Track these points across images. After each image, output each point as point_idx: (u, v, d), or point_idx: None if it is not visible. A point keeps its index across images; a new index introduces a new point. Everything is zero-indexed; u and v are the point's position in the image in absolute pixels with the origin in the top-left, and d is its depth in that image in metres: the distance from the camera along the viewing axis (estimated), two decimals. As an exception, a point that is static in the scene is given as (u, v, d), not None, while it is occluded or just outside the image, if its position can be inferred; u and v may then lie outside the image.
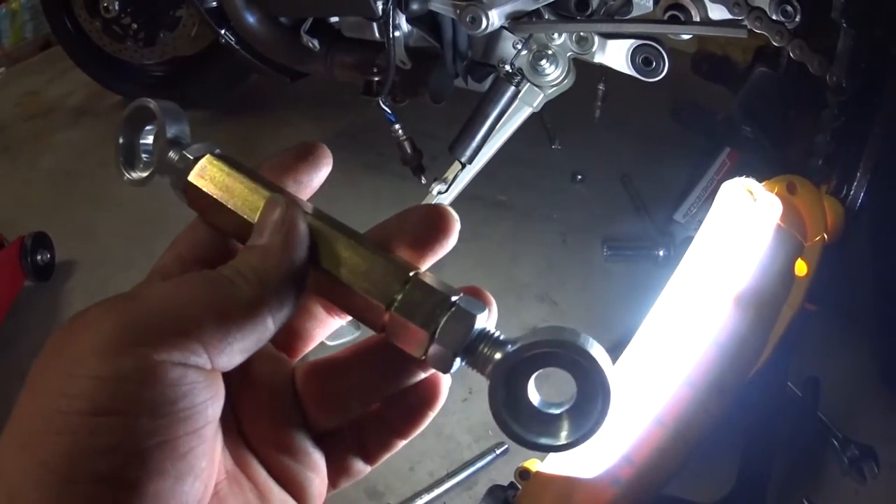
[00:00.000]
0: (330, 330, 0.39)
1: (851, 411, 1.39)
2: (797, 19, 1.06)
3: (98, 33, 2.02)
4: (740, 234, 0.80)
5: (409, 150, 1.19)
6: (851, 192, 0.94)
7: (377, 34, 1.26)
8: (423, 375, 0.36)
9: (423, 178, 1.25)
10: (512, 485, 0.81)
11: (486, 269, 1.54)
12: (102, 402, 0.27)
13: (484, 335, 0.32)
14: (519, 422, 0.31)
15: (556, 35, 1.09)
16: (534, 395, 0.32)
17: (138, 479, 0.27)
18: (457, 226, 0.35)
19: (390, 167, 1.64)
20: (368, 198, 1.67)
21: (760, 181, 0.97)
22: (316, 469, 0.36)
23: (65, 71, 2.40)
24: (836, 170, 0.96)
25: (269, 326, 0.32)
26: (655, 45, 1.08)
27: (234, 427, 0.35)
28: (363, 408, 0.37)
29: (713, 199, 0.84)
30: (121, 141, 0.39)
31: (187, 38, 1.94)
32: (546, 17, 1.09)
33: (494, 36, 1.15)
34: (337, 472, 0.38)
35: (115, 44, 2.01)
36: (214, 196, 0.36)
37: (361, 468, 0.38)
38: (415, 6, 1.10)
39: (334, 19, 1.36)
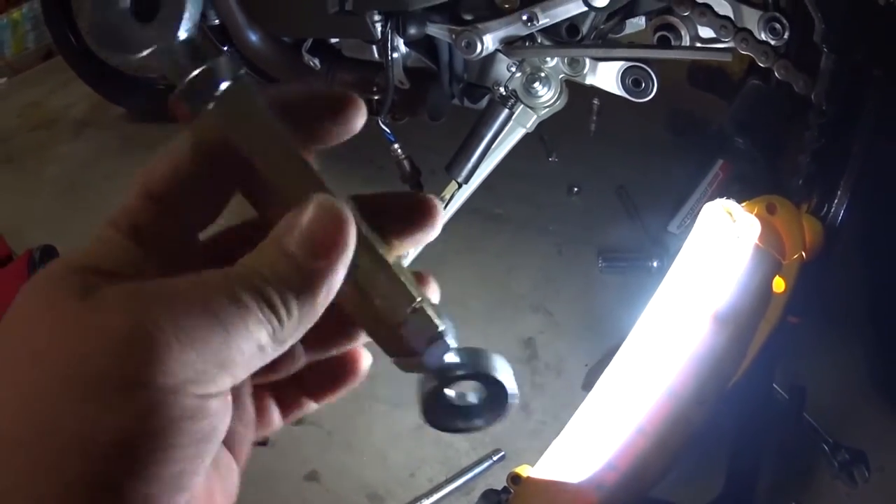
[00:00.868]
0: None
1: (843, 417, 1.45)
2: (785, 37, 1.12)
3: (100, 46, 2.09)
4: (720, 253, 0.86)
5: (407, 168, 1.26)
6: (832, 212, 1.01)
7: (376, 55, 1.32)
8: (349, 347, 0.37)
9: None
10: (505, 489, 0.88)
11: (483, 281, 1.61)
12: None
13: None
14: (445, 417, 0.36)
15: (548, 58, 1.16)
16: (452, 396, 0.36)
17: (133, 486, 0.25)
18: (441, 219, 0.35)
19: (390, 181, 1.71)
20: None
21: (751, 194, 1.03)
22: (247, 422, 0.35)
23: (66, 82, 2.46)
24: (816, 189, 1.02)
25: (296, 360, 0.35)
26: (644, 67, 1.14)
27: None
28: (288, 369, 0.35)
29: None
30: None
31: (190, 52, 2.01)
32: (539, 41, 1.16)
33: (489, 59, 1.22)
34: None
35: (116, 56, 2.07)
36: (241, 146, 0.29)
37: (277, 420, 0.37)
38: (412, 31, 1.17)
39: (335, 40, 1.42)
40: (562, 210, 1.79)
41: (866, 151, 1.03)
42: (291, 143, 0.30)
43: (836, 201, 1.01)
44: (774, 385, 1.21)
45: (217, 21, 1.55)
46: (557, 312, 1.53)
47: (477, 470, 1.22)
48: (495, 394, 0.35)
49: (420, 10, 1.17)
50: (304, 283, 0.29)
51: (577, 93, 1.28)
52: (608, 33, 1.20)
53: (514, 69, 1.18)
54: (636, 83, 1.15)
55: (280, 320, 0.28)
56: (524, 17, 1.08)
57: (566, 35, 1.11)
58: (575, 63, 1.15)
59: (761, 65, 1.13)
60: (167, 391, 0.26)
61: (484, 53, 1.13)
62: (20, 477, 0.25)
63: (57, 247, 1.66)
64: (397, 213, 0.34)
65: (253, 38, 1.51)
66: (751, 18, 1.14)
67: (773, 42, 1.13)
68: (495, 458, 1.25)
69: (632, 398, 0.84)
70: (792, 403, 1.19)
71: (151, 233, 0.30)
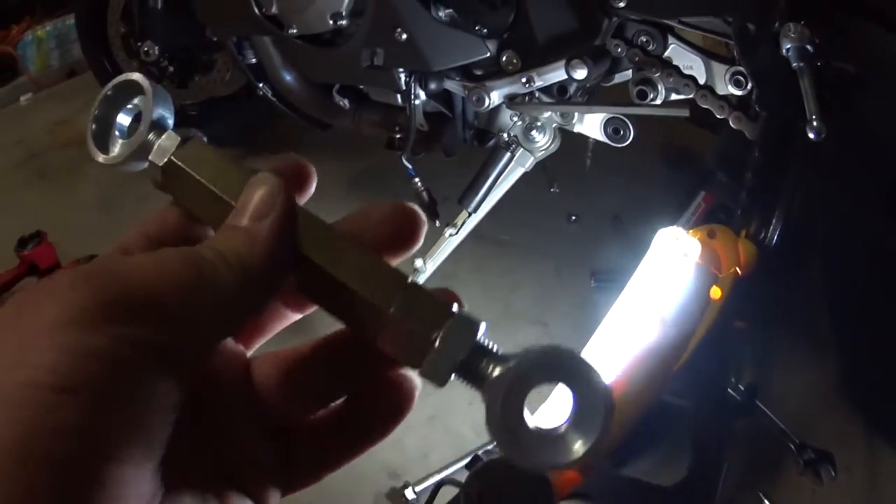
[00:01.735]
0: (287, 323, 0.41)
1: (812, 421, 1.74)
2: (748, 88, 1.50)
3: (135, 74, 2.49)
4: (667, 269, 1.25)
5: (426, 199, 1.65)
6: (767, 237, 1.39)
7: (399, 101, 1.72)
8: (390, 378, 0.38)
9: (437, 223, 1.72)
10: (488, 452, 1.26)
11: (488, 297, 2.00)
12: (66, 377, 0.27)
13: (483, 348, 0.33)
14: (521, 443, 0.32)
15: (543, 111, 1.56)
16: (529, 416, 0.32)
17: (96, 466, 0.26)
18: (424, 227, 0.38)
19: None
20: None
21: (726, 222, 1.41)
22: (269, 471, 0.37)
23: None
24: (754, 219, 1.40)
25: (244, 319, 0.34)
26: (622, 117, 1.54)
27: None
28: (325, 403, 0.38)
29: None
30: (96, 113, 0.40)
31: (221, 82, 2.40)
32: (536, 97, 1.56)
33: (495, 110, 1.62)
34: (288, 479, 0.38)
35: (151, 84, 2.47)
36: (199, 178, 0.37)
37: (313, 479, 0.39)
38: (432, 85, 1.57)
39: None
40: (561, 236, 2.18)
41: (793, 188, 1.41)
42: (247, 170, 0.37)
43: (770, 228, 1.39)
44: (730, 389, 1.58)
45: (254, 60, 1.93)
46: (552, 324, 1.91)
47: (481, 451, 1.60)
48: (586, 402, 0.32)
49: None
50: (249, 241, 0.33)
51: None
52: (596, 88, 1.60)
53: (515, 119, 1.58)
54: (616, 131, 1.54)
55: (218, 271, 0.32)
56: (523, 80, 1.48)
57: (557, 94, 1.51)
58: (566, 115, 1.55)
59: (718, 116, 1.53)
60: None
61: (491, 106, 1.53)
62: None
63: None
64: (377, 226, 0.37)
65: (287, 77, 1.90)
66: (719, 71, 1.52)
67: (738, 93, 1.52)
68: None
69: (598, 378, 1.22)
70: (745, 396, 1.56)
71: None
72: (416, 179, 1.64)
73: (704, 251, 1.27)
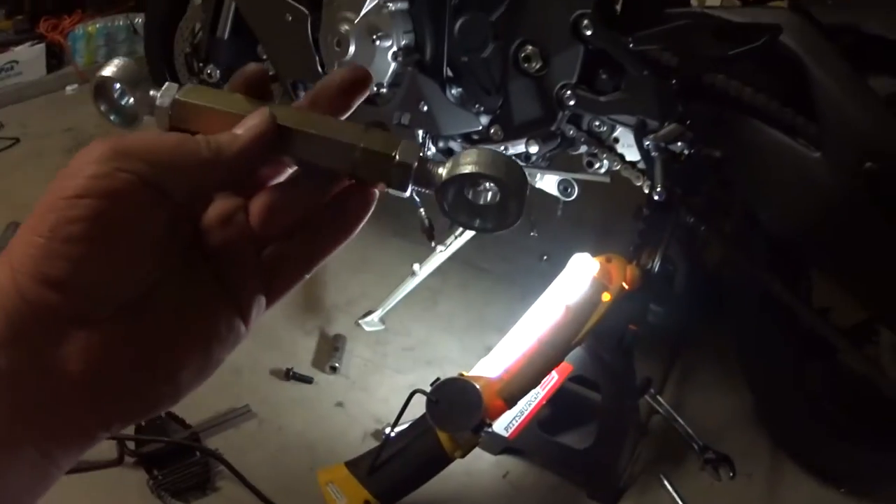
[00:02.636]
0: (282, 177, 0.56)
1: (721, 433, 2.14)
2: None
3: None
4: (575, 279, 2.12)
5: (427, 225, 2.53)
6: (650, 266, 2.25)
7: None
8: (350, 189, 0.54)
9: (433, 243, 2.60)
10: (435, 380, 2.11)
11: (467, 309, 2.79)
12: (80, 189, 0.43)
13: (426, 158, 0.50)
14: (462, 213, 0.50)
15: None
16: (469, 195, 0.49)
17: (97, 247, 0.43)
18: (370, 80, 0.54)
19: (410, 234, 2.74)
20: (394, 252, 3.03)
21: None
22: (257, 285, 0.52)
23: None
24: (641, 253, 2.26)
25: (216, 186, 0.50)
26: (570, 179, 2.43)
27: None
28: (305, 208, 0.53)
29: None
30: (102, 109, 0.56)
31: (271, 106, 3.14)
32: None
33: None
34: (270, 286, 0.53)
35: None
36: (206, 105, 0.51)
37: (291, 284, 0.55)
38: (441, 144, 2.46)
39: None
40: (531, 271, 2.65)
41: (672, 234, 2.28)
42: (245, 97, 0.53)
43: (654, 260, 2.26)
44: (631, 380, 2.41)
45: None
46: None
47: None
48: (505, 204, 0.49)
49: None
50: (231, 140, 0.50)
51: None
52: (554, 156, 2.49)
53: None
54: (565, 189, 2.43)
55: (200, 147, 0.48)
56: (503, 147, 2.34)
57: (524, 159, 2.41)
58: (529, 174, 2.45)
59: (635, 184, 2.41)
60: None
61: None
62: None
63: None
64: (333, 90, 0.55)
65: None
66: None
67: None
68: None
69: (523, 341, 2.09)
70: (642, 384, 2.38)
71: None
72: (422, 210, 2.53)
73: (602, 270, 2.15)
